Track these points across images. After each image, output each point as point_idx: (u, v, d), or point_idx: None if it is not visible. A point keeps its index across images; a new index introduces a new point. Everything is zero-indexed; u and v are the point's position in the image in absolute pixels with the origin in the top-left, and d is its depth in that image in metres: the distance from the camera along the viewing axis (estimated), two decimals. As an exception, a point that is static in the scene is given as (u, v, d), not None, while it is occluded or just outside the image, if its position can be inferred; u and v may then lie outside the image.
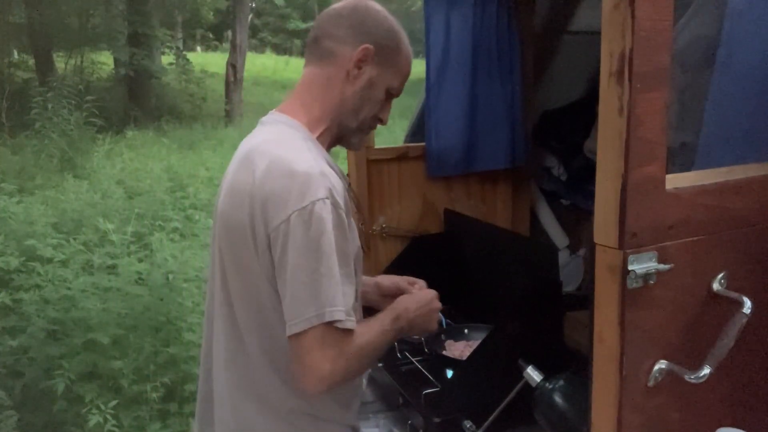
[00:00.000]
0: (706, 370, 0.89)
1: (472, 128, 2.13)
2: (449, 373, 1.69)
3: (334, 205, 1.12)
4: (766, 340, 1.05)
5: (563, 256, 2.43)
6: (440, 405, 1.52)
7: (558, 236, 2.49)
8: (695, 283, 0.96)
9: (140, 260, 3.80)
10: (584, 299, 2.04)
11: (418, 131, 2.29)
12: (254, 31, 25.50)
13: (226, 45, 18.15)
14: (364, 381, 1.42)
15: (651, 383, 0.93)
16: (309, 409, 1.23)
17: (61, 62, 12.40)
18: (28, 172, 6.51)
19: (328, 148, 1.30)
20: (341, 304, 1.10)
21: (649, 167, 0.86)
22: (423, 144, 2.15)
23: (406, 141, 2.39)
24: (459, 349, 1.83)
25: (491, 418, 1.45)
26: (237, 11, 13.40)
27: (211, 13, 19.58)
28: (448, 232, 2.19)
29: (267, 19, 28.25)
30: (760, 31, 1.14)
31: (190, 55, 14.38)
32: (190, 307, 3.28)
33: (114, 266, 3.65)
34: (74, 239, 3.95)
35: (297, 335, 1.09)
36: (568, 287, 2.29)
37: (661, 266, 0.89)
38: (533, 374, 1.40)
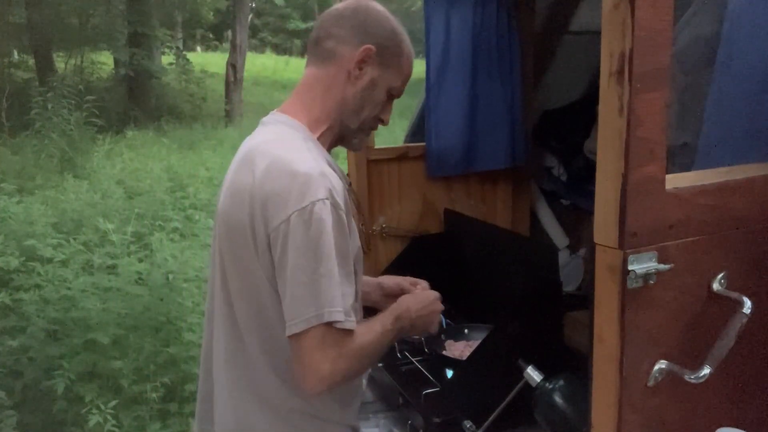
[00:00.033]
0: (706, 370, 0.89)
1: (472, 128, 2.13)
2: (449, 373, 1.70)
3: (334, 205, 1.12)
4: (766, 340, 1.05)
5: (563, 256, 2.43)
6: (440, 405, 1.52)
7: (558, 236, 2.49)
8: (695, 283, 0.96)
9: (140, 260, 3.80)
10: (584, 299, 2.05)
11: (418, 131, 2.29)
12: (254, 31, 25.50)
13: (226, 45, 18.15)
14: (364, 381, 1.42)
15: (651, 383, 0.93)
16: (309, 409, 1.23)
17: (61, 62, 12.40)
18: (28, 172, 6.51)
19: (329, 149, 1.30)
20: (340, 305, 1.10)
21: (649, 167, 0.86)
22: (423, 144, 2.15)
23: (406, 141, 2.39)
24: (459, 349, 1.83)
25: (491, 418, 1.45)
26: (237, 11, 13.40)
27: (211, 13, 19.57)
28: (448, 232, 2.19)
29: (267, 19, 28.24)
30: (760, 31, 1.14)
31: (190, 55, 14.38)
32: (190, 307, 3.28)
33: (114, 266, 3.65)
34: (74, 239, 3.95)
35: (297, 335, 1.10)
36: (568, 287, 2.29)
37: (661, 266, 0.89)
38: (533, 374, 1.40)
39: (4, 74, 11.16)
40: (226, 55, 13.75)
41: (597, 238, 0.91)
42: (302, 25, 27.40)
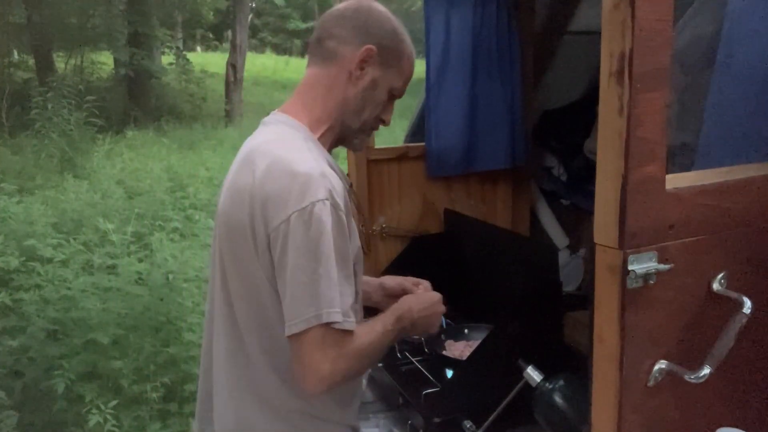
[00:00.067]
0: (706, 370, 0.89)
1: (472, 128, 2.13)
2: (449, 373, 1.70)
3: (334, 206, 1.12)
4: (766, 340, 1.05)
5: (563, 256, 2.43)
6: (440, 405, 1.52)
7: (558, 236, 2.49)
8: (695, 283, 0.96)
9: (140, 260, 3.80)
10: (584, 299, 2.05)
11: (418, 131, 2.29)
12: (254, 31, 25.51)
13: (226, 45, 18.15)
14: (364, 381, 1.42)
15: (651, 383, 0.93)
16: (309, 409, 1.23)
17: (61, 62, 12.40)
18: (28, 172, 6.51)
19: (330, 149, 1.30)
20: (338, 306, 1.10)
21: (649, 167, 0.86)
22: (423, 144, 2.15)
23: (406, 141, 2.39)
24: (459, 349, 1.83)
25: (491, 418, 1.46)
26: (237, 11, 13.40)
27: (211, 13, 19.56)
28: (448, 232, 2.19)
29: (267, 19, 28.25)
30: (760, 31, 1.14)
31: (190, 55, 14.38)
32: (190, 307, 3.28)
33: (114, 266, 3.66)
34: (74, 239, 3.95)
35: (297, 335, 1.10)
36: (568, 287, 2.29)
37: (661, 266, 0.89)
38: (533, 374, 1.40)
39: (4, 74, 11.16)
40: (226, 55, 13.75)
41: (597, 238, 0.91)
42: (302, 25, 27.41)
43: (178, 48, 14.20)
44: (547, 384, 1.38)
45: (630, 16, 0.81)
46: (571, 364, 1.44)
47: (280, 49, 27.27)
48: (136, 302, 3.26)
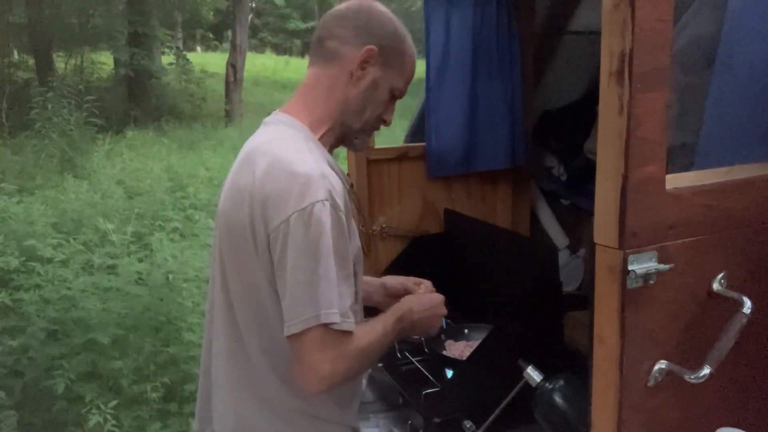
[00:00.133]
0: (706, 370, 0.89)
1: (472, 128, 2.13)
2: (449, 373, 1.69)
3: (334, 206, 1.12)
4: (766, 340, 1.05)
5: (563, 256, 2.43)
6: (440, 405, 1.52)
7: (558, 236, 2.49)
8: (695, 283, 0.96)
9: (140, 260, 3.80)
10: (584, 299, 2.05)
11: (418, 131, 2.29)
12: (254, 31, 25.51)
13: (226, 45, 18.15)
14: (364, 381, 1.42)
15: (651, 383, 0.93)
16: (309, 409, 1.23)
17: (61, 62, 12.40)
18: (28, 172, 6.52)
19: (331, 149, 1.30)
20: (337, 306, 1.10)
21: (649, 167, 0.86)
22: (423, 144, 2.15)
23: (406, 141, 2.39)
24: (459, 349, 1.83)
25: (491, 418, 1.45)
26: (237, 11, 13.40)
27: (211, 13, 19.56)
28: (448, 232, 2.19)
29: (267, 19, 28.25)
30: (760, 31, 1.14)
31: (190, 55, 14.38)
32: (190, 307, 3.28)
33: (114, 266, 3.66)
34: (74, 239, 3.95)
35: (296, 336, 1.10)
36: (568, 287, 2.29)
37: (661, 266, 0.89)
38: (533, 374, 1.40)
39: (4, 74, 11.16)
40: (226, 55, 13.75)
41: (597, 238, 0.91)
42: (302, 25, 27.41)
43: (178, 48, 14.20)
44: (547, 384, 1.38)
45: (630, 16, 0.81)
46: (571, 364, 1.44)
47: (280, 49, 27.28)
48: (136, 302, 3.26)
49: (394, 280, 1.52)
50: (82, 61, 12.53)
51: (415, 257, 2.02)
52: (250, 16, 19.14)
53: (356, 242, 1.23)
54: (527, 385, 1.41)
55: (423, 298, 1.38)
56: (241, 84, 13.16)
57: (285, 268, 1.10)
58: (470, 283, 2.06)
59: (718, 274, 0.96)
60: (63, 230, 4.39)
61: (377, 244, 2.13)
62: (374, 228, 2.11)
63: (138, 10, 12.29)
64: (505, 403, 1.45)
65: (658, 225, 0.89)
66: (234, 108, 12.62)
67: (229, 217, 1.21)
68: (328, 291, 1.09)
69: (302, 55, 25.89)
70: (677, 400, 0.97)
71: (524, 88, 2.22)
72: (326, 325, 1.09)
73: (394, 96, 1.30)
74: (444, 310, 1.38)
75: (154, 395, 2.82)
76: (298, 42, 27.96)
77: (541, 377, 1.39)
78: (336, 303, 1.10)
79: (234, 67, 12.76)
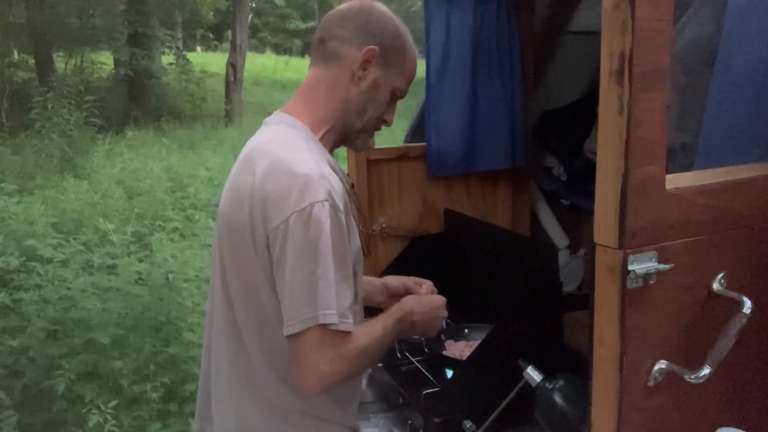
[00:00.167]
0: (706, 370, 0.89)
1: (472, 128, 2.13)
2: (449, 373, 1.69)
3: (333, 207, 1.12)
4: (766, 340, 1.05)
5: (563, 256, 2.43)
6: (440, 405, 1.52)
7: (558, 236, 2.49)
8: (695, 283, 0.96)
9: (140, 260, 3.81)
10: (584, 299, 2.04)
11: (418, 131, 2.29)
12: (254, 31, 25.52)
13: (226, 45, 18.15)
14: (364, 381, 1.42)
15: (651, 383, 0.93)
16: (308, 409, 1.23)
17: (61, 62, 12.39)
18: (28, 172, 6.52)
19: (332, 149, 1.30)
20: (335, 307, 1.10)
21: (649, 167, 0.86)
22: (423, 144, 2.15)
23: (406, 141, 2.39)
24: (459, 349, 1.83)
25: (491, 418, 1.45)
26: (237, 11, 13.39)
27: (211, 13, 19.55)
28: (448, 232, 2.19)
29: (267, 19, 28.26)
30: (760, 31, 1.14)
31: (190, 55, 14.38)
32: (190, 307, 3.28)
33: (114, 266, 3.66)
34: (74, 239, 3.95)
35: (295, 336, 1.10)
36: (568, 287, 2.29)
37: (661, 266, 0.89)
38: (533, 374, 1.40)
39: (4, 74, 11.17)
40: (226, 55, 13.75)
41: (597, 238, 0.90)
42: (302, 25, 27.42)
43: (178, 48, 14.21)
44: (547, 384, 1.38)
45: (630, 16, 0.81)
46: (571, 364, 1.44)
47: (280, 49, 27.29)
48: (136, 302, 3.26)
49: (395, 281, 1.52)
50: (82, 61, 12.53)
51: (415, 257, 2.02)
52: (250, 16, 19.14)
53: (356, 242, 1.23)
54: (527, 385, 1.41)
55: (424, 299, 1.38)
56: (241, 84, 13.15)
57: (284, 268, 1.10)
58: (470, 283, 2.06)
59: (718, 274, 0.96)
60: (63, 230, 4.39)
61: (377, 244, 2.13)
62: (374, 228, 2.11)
63: (138, 10, 12.28)
64: (505, 403, 1.45)
65: (658, 225, 0.89)
66: (234, 108, 12.62)
67: (229, 217, 1.21)
68: (327, 291, 1.09)
69: (302, 55, 25.90)
70: (677, 400, 0.97)
71: (524, 88, 2.22)
72: (325, 326, 1.09)
73: (395, 96, 1.30)
74: (444, 313, 1.38)
75: (154, 395, 2.82)
76: (298, 42, 27.97)
77: (541, 377, 1.39)
78: (334, 303, 1.10)
79: (234, 67, 12.76)
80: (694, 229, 0.93)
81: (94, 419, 2.60)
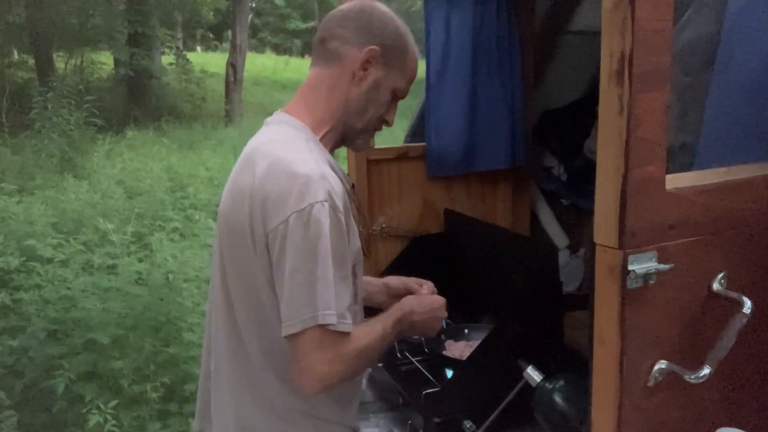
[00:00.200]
0: (706, 370, 0.89)
1: (472, 128, 2.13)
2: (449, 373, 1.69)
3: (333, 207, 1.12)
4: (766, 340, 1.05)
5: (563, 256, 2.43)
6: (440, 405, 1.52)
7: (558, 236, 2.49)
8: (695, 283, 0.96)
9: (140, 260, 3.81)
10: (584, 299, 2.04)
11: (418, 131, 2.29)
12: (254, 31, 25.52)
13: (226, 45, 18.17)
14: (364, 381, 1.42)
15: (651, 383, 0.93)
16: (308, 409, 1.23)
17: (61, 62, 12.40)
18: (28, 172, 6.52)
19: (332, 149, 1.30)
20: (334, 308, 1.10)
21: (649, 167, 0.86)
22: (423, 144, 2.15)
23: (406, 141, 2.38)
24: (459, 349, 1.83)
25: (491, 418, 1.46)
26: (237, 11, 13.40)
27: (211, 13, 19.56)
28: (448, 232, 2.19)
29: (267, 19, 28.27)
30: (760, 31, 1.14)
31: (190, 55, 14.38)
32: (190, 307, 3.28)
33: (114, 266, 3.66)
34: (74, 239, 3.95)
35: (294, 336, 1.10)
36: (568, 287, 2.29)
37: (661, 266, 0.89)
38: (533, 374, 1.40)
39: (4, 74, 11.17)
40: (226, 55, 13.76)
41: (597, 238, 0.90)
42: (302, 25, 27.43)
43: (178, 48, 14.21)
44: (547, 384, 1.38)
45: (630, 16, 0.81)
46: (571, 364, 1.44)
47: (280, 49, 27.30)
48: (136, 302, 3.26)
49: (396, 281, 1.52)
50: (82, 61, 12.53)
51: (415, 257, 2.02)
52: (250, 16, 19.15)
53: (356, 243, 1.23)
54: (527, 385, 1.41)
55: (424, 299, 1.38)
56: (241, 84, 13.16)
57: (283, 268, 1.10)
58: (470, 283, 2.06)
59: (718, 274, 0.96)
60: (63, 230, 4.39)
61: (377, 244, 2.13)
62: (374, 228, 2.11)
63: (138, 10, 12.28)
64: (505, 403, 1.45)
65: (658, 225, 0.89)
66: (234, 108, 12.62)
67: (229, 217, 1.21)
68: (326, 292, 1.09)
69: (302, 55, 25.91)
70: (677, 400, 0.97)
71: (524, 88, 2.22)
72: (324, 326, 1.09)
73: (396, 96, 1.30)
74: (444, 313, 1.38)
75: (154, 395, 2.82)
76: (298, 42, 27.98)
77: (541, 377, 1.39)
78: (333, 304, 1.10)
79: (234, 67, 12.76)
80: (694, 229, 0.93)
81: (94, 419, 2.60)
